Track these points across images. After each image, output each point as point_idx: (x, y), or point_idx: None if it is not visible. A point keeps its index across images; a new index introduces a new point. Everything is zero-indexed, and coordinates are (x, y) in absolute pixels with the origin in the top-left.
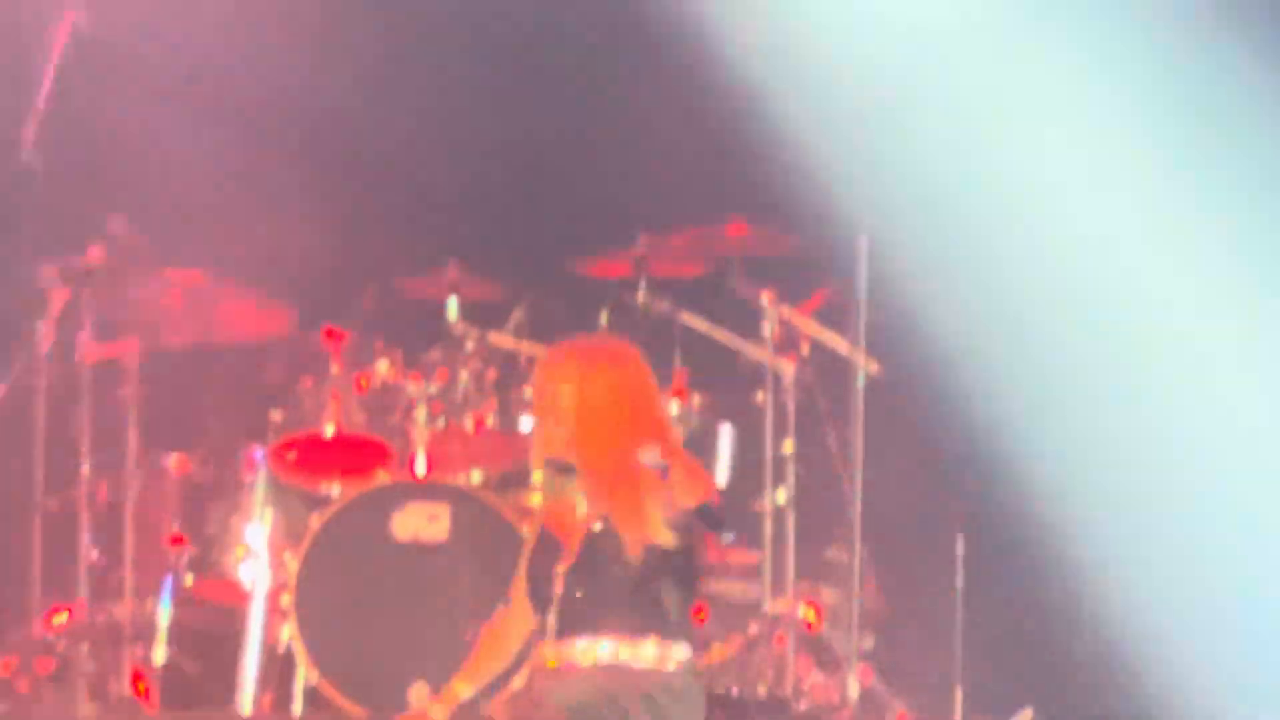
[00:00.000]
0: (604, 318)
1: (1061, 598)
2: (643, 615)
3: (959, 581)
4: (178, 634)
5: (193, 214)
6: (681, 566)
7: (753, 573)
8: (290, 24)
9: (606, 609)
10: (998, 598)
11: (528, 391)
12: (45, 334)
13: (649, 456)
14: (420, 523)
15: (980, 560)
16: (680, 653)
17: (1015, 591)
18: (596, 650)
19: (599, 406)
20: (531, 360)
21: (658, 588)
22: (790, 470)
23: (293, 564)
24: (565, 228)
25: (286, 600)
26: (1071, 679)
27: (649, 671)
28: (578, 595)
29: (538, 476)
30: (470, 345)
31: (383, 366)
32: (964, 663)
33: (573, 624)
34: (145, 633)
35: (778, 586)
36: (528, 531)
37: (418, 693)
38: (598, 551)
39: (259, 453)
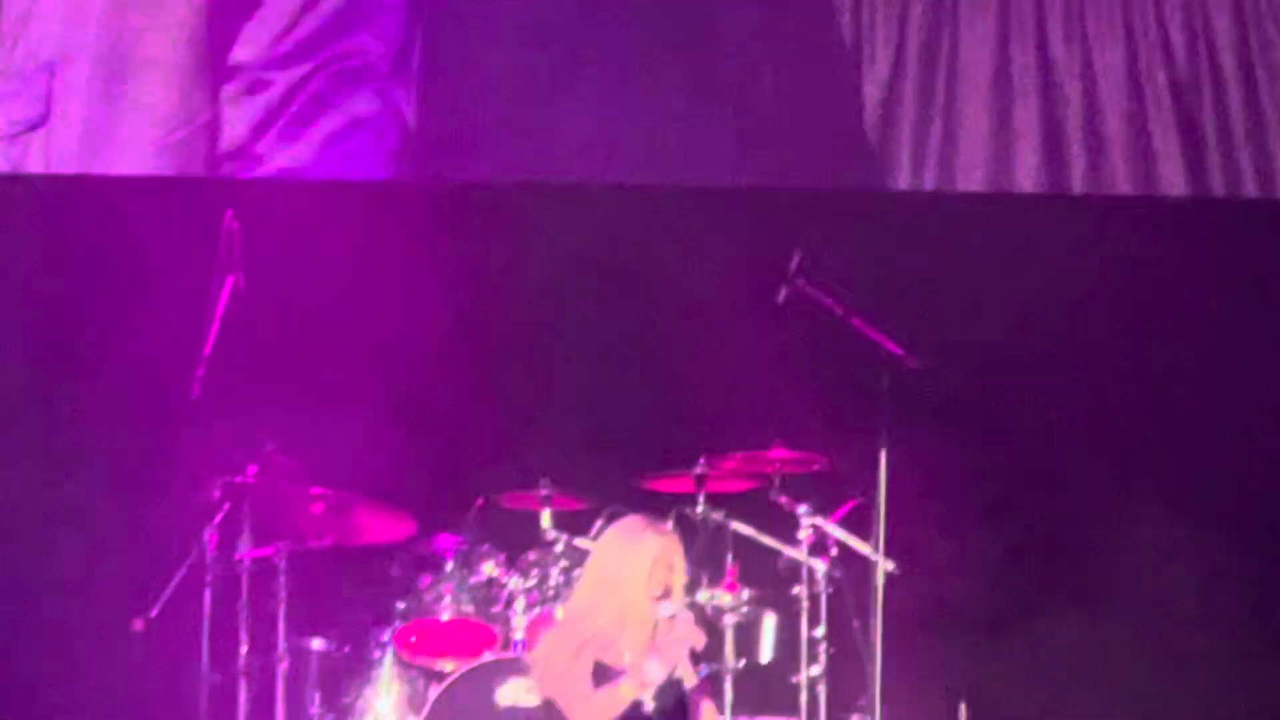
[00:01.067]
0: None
1: None
2: None
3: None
4: None
5: (332, 438)
6: None
7: None
8: (394, 265)
9: None
10: None
11: None
12: (210, 538)
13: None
14: (519, 693)
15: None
16: None
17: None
18: None
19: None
20: None
21: None
22: (822, 650)
23: None
24: (638, 451)
25: None
26: None
27: None
28: None
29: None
30: (560, 548)
31: (489, 566)
32: None
33: None
34: None
35: None
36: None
37: None
38: None
39: (386, 636)
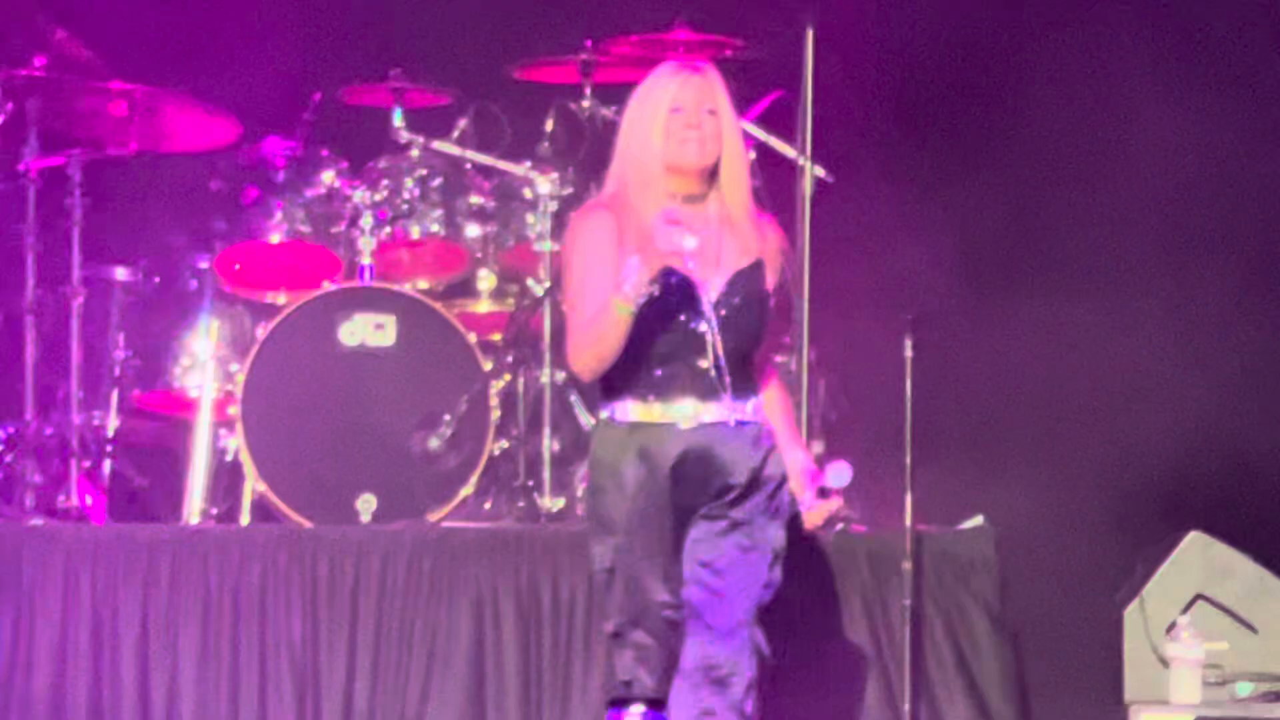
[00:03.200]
0: (549, 124)
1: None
2: None
3: (908, 386)
4: (124, 447)
5: (136, 22)
6: None
7: None
8: None
9: None
10: (948, 402)
11: (473, 199)
12: None
13: None
14: (367, 330)
15: (929, 363)
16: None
17: (965, 395)
18: None
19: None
20: (475, 167)
21: None
22: None
23: (239, 375)
24: (509, 33)
25: (233, 411)
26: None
27: None
28: None
29: (489, 282)
30: (415, 153)
31: (329, 176)
32: (913, 470)
33: None
34: (92, 446)
35: None
36: (473, 339)
37: (365, 503)
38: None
39: (204, 262)
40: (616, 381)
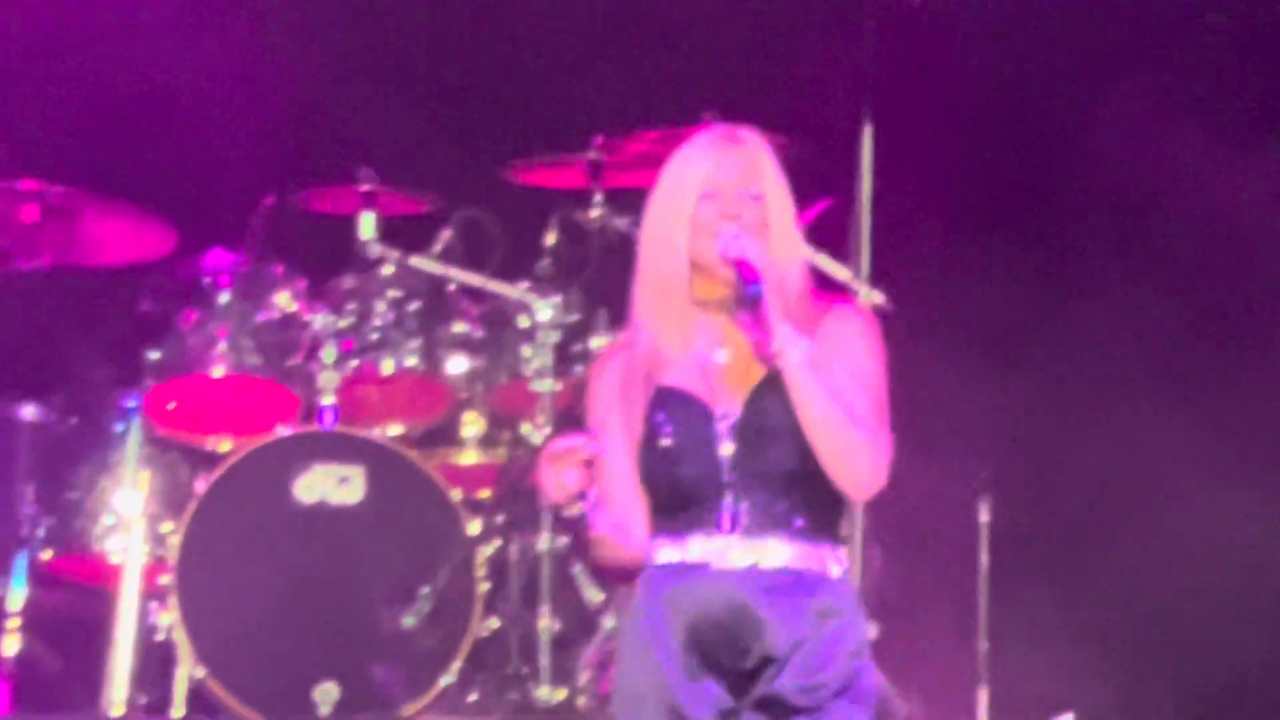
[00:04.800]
0: (551, 237)
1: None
2: None
3: (983, 558)
4: (34, 620)
5: (52, 116)
6: None
7: None
8: None
9: None
10: (1032, 574)
11: (457, 326)
12: None
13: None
14: (329, 485)
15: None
16: None
17: (1053, 564)
18: None
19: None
20: (461, 289)
21: None
22: None
23: (173, 537)
24: (502, 128)
25: (165, 580)
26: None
27: None
28: None
29: (477, 427)
30: (389, 270)
31: (283, 298)
32: (990, 659)
33: None
34: None
35: None
36: (457, 496)
37: (324, 694)
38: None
39: (132, 401)
40: None
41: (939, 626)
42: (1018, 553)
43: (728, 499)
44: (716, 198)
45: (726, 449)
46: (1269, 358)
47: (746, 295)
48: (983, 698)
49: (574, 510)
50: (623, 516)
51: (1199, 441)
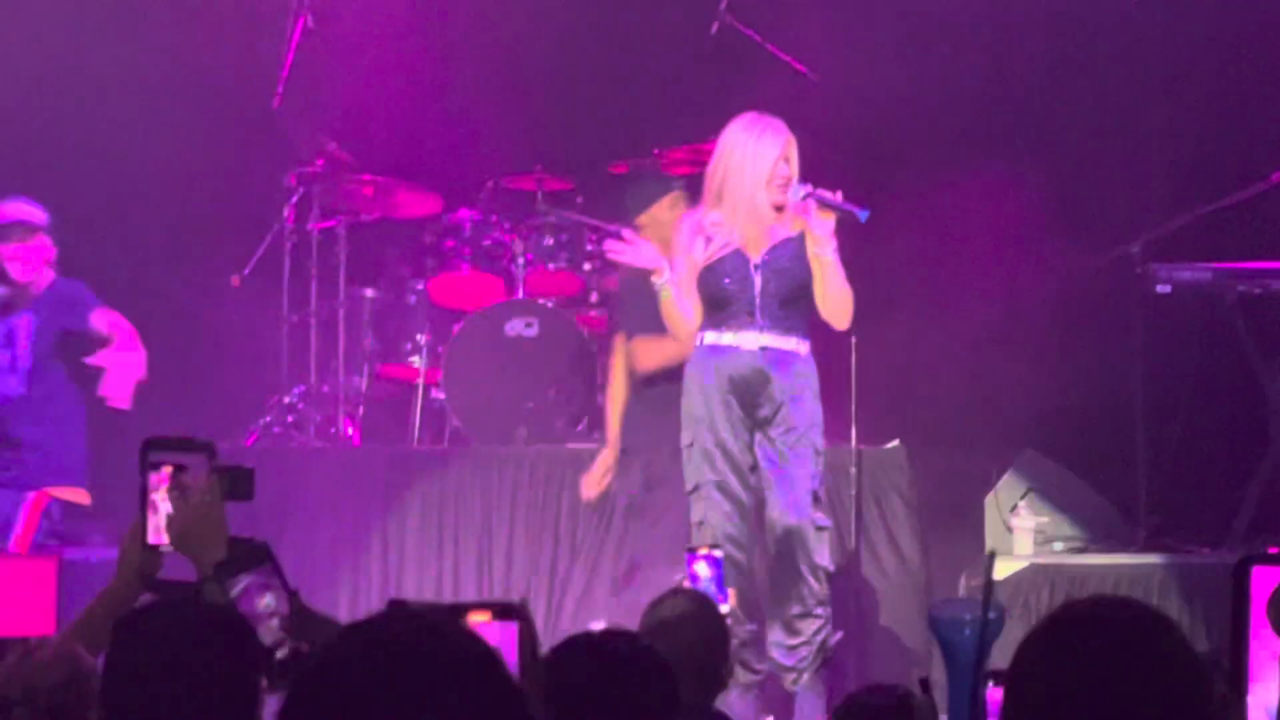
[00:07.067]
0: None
1: None
2: None
3: None
4: (371, 399)
5: (378, 135)
6: None
7: None
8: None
9: None
10: None
11: (587, 247)
12: (289, 214)
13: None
14: (521, 327)
15: None
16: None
17: None
18: None
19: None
20: (588, 228)
21: None
22: None
23: (445, 355)
24: (606, 140)
25: (441, 376)
26: None
27: None
28: None
29: (596, 297)
30: (551, 219)
31: (497, 233)
32: None
33: None
34: (351, 398)
35: None
36: (588, 335)
37: (519, 434)
38: None
39: (420, 285)
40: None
41: None
42: None
43: (755, 307)
44: (783, 163)
45: (756, 279)
46: None
47: (843, 213)
48: None
49: (659, 279)
50: (684, 308)
51: None
